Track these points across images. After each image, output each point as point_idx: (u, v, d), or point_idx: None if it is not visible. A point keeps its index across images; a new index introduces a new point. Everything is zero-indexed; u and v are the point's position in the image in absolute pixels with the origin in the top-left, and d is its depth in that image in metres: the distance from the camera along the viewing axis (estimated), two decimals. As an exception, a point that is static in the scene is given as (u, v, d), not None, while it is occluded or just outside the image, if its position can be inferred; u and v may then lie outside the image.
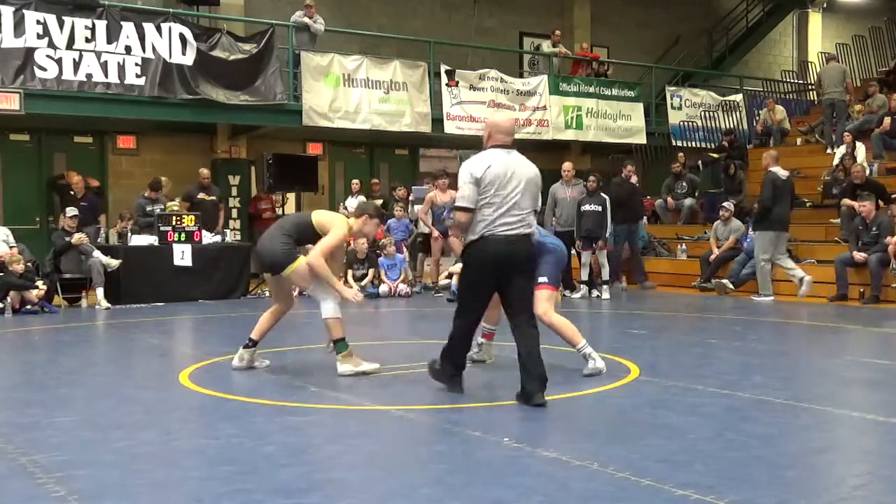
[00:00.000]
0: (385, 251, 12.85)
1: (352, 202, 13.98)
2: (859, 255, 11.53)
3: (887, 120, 15.23)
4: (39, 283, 11.04)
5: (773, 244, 11.81)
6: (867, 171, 13.73)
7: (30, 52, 12.03)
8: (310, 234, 6.49)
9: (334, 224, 6.38)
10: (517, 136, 16.08)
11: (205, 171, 13.69)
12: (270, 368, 6.69)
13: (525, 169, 5.48)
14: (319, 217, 6.51)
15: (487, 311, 6.09)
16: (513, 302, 5.43)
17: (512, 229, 5.33)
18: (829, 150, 16.07)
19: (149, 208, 12.83)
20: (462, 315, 5.58)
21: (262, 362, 6.76)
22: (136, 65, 12.76)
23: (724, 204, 13.65)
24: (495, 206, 5.33)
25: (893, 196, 12.75)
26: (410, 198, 13.75)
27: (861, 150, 14.51)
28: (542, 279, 6.09)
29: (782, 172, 12.02)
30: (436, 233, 12.91)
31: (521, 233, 5.38)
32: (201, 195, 13.40)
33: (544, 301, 6.12)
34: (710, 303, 11.88)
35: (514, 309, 5.43)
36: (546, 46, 18.23)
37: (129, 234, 12.32)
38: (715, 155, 16.28)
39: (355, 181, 14.58)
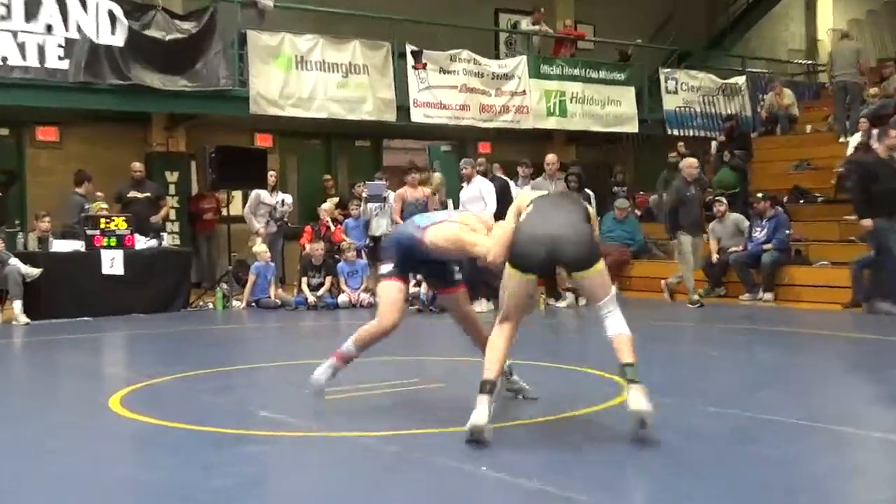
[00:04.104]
0: (344, 256, 12.77)
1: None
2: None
3: (906, 104, 15.43)
4: (-53, 296, 10.92)
5: None
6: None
7: (-66, 31, 11.91)
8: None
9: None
10: (492, 124, 16.52)
11: (136, 164, 13.60)
12: (217, 392, 6.65)
13: None
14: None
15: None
16: None
17: None
18: (841, 139, 16.25)
19: (87, 206, 12.65)
20: None
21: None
22: (59, 46, 12.65)
23: (718, 198, 13.75)
24: None
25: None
26: (364, 195, 13.57)
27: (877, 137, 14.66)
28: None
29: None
30: None
31: None
32: (133, 193, 13.27)
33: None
34: (710, 310, 11.96)
35: None
36: (525, 24, 18.29)
37: (50, 239, 12.15)
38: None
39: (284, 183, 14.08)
